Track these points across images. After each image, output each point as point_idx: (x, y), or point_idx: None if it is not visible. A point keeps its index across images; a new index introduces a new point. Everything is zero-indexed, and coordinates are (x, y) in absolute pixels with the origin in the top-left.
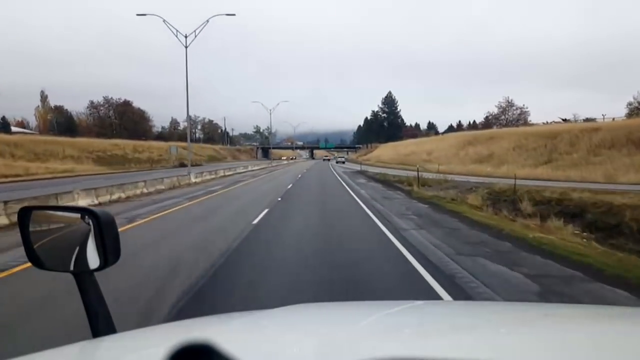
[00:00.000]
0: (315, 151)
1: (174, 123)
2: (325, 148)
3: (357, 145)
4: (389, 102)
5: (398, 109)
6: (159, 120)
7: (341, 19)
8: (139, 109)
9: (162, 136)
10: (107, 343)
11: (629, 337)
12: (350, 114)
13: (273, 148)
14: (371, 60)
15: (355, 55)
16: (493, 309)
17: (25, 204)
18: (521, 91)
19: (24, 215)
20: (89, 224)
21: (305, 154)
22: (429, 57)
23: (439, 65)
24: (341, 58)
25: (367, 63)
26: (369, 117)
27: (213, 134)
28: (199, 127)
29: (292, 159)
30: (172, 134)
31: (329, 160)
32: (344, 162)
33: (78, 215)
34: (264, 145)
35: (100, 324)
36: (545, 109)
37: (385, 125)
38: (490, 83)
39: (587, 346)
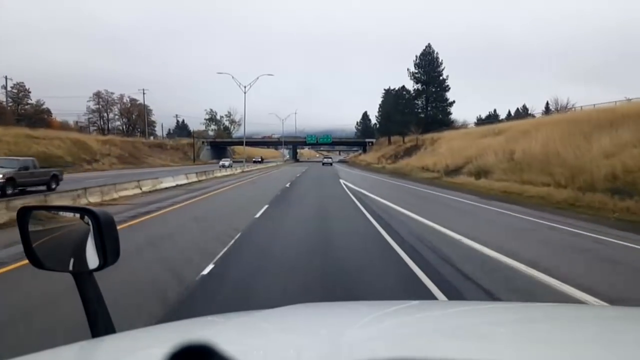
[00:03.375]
0: (299, 150)
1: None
2: (315, 144)
3: (367, 140)
4: (428, 62)
5: (444, 75)
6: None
7: (335, 5)
8: None
9: None
10: (107, 343)
11: (629, 337)
12: (343, 111)
13: (235, 144)
14: (367, 53)
15: (349, 45)
16: (491, 309)
17: None
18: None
19: (24, 215)
20: (88, 223)
21: (286, 152)
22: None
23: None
24: (334, 48)
25: (361, 56)
26: (392, 90)
27: (137, 120)
28: (117, 109)
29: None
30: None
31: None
32: (331, 164)
33: (77, 215)
34: (220, 139)
35: (100, 324)
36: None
37: (423, 102)
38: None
39: (587, 347)
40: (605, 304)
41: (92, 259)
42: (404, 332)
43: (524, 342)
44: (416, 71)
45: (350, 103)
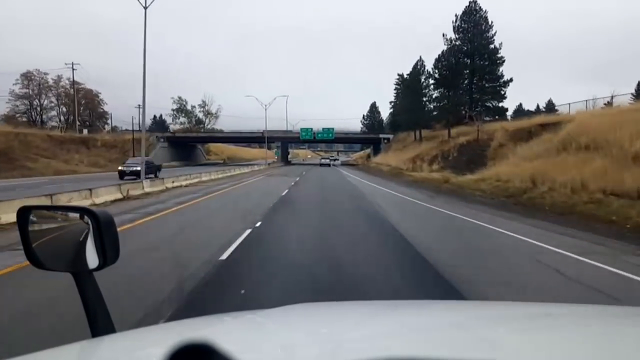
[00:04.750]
0: (291, 150)
1: None
2: (312, 141)
3: (382, 136)
4: (473, 24)
5: (495, 43)
6: None
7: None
8: None
9: None
10: (107, 343)
11: (629, 337)
12: (341, 109)
13: (204, 140)
14: (365, 49)
15: (347, 45)
16: (493, 308)
17: None
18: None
19: (23, 215)
20: (87, 223)
21: (275, 152)
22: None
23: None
24: (332, 46)
25: (358, 53)
26: (420, 66)
27: (83, 109)
28: (53, 96)
29: None
30: None
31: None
32: (329, 165)
33: (77, 215)
34: (182, 133)
35: (100, 323)
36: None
37: (466, 80)
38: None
39: (588, 346)
40: None
41: (92, 259)
42: (403, 332)
43: (524, 342)
44: (457, 37)
45: (349, 102)
